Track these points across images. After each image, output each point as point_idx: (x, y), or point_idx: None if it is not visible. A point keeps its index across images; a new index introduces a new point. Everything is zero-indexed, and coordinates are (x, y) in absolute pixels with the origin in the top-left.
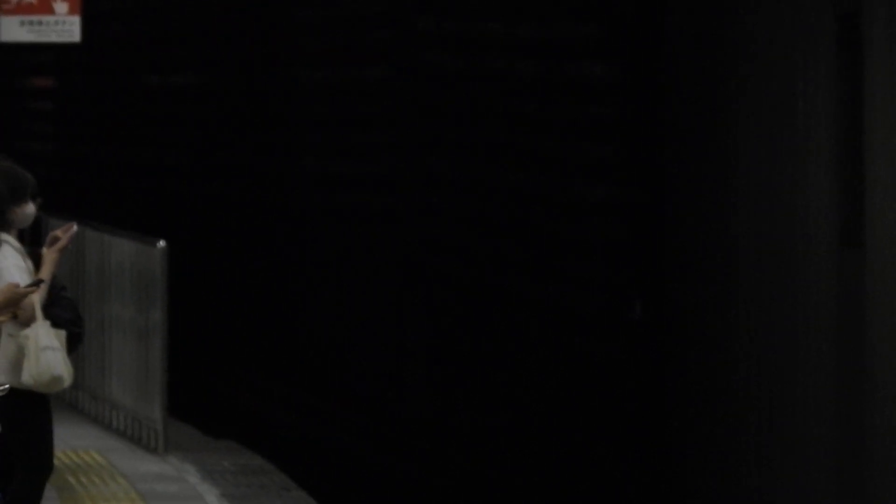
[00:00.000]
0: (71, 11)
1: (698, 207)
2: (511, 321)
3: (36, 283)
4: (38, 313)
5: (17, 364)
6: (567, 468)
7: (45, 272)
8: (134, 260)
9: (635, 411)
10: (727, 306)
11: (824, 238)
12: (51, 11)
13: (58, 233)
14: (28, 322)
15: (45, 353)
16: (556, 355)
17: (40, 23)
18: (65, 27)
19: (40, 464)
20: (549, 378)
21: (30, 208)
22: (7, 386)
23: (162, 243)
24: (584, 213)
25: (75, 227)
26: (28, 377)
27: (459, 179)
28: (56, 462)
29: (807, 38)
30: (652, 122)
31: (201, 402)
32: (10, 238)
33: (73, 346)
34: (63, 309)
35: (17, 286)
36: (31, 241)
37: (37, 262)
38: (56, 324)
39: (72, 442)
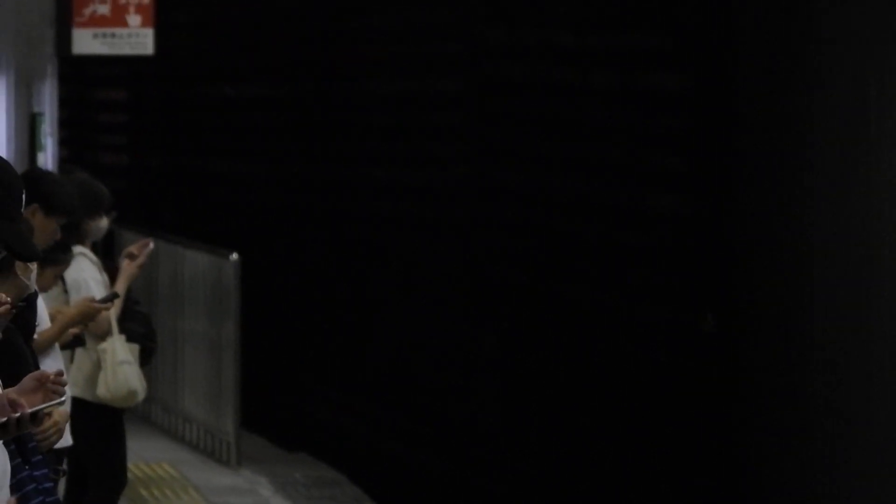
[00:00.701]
0: (144, 24)
1: (770, 217)
2: (580, 333)
3: (111, 298)
4: (115, 327)
5: (92, 378)
6: (638, 481)
7: (121, 286)
8: (207, 272)
9: (708, 423)
10: (800, 316)
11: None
12: (124, 24)
13: (133, 249)
14: (103, 335)
15: (121, 368)
16: (627, 368)
17: (113, 35)
18: (138, 39)
19: (114, 476)
20: (621, 391)
21: (104, 222)
22: (63, 399)
23: (235, 256)
24: (656, 224)
25: (152, 245)
26: (104, 391)
27: (529, 191)
28: (129, 474)
29: (883, 49)
30: (723, 132)
31: (274, 415)
32: (86, 251)
33: (147, 360)
34: (137, 323)
35: (92, 300)
36: (104, 254)
37: (112, 275)
38: (130, 338)
39: (145, 454)
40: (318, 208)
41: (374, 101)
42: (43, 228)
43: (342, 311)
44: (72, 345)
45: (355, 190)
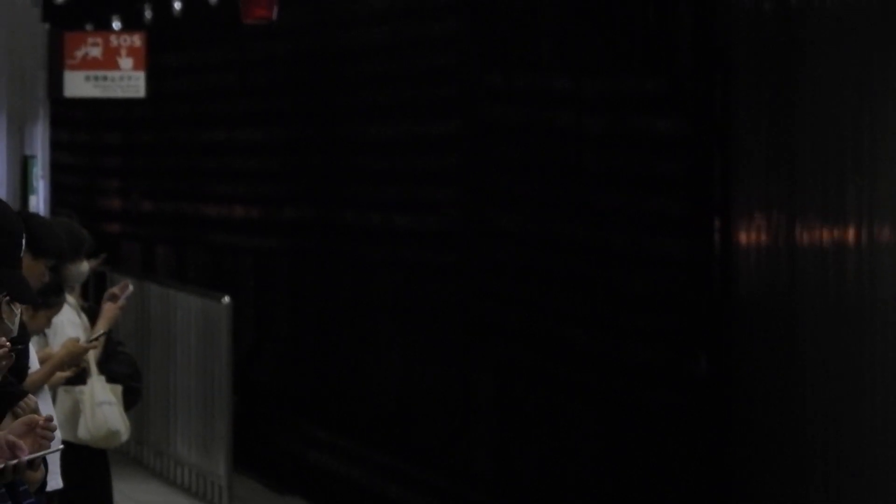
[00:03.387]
0: (136, 67)
1: (764, 261)
2: (575, 375)
3: (97, 338)
4: (94, 368)
5: (73, 419)
6: None
7: (101, 326)
8: (199, 315)
9: (700, 465)
10: (793, 361)
11: (892, 291)
12: (116, 67)
13: (115, 290)
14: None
15: (101, 408)
16: (621, 409)
17: (105, 78)
18: (130, 82)
19: None
20: (614, 432)
21: (84, 265)
22: (61, 447)
23: (227, 299)
24: (649, 266)
25: (131, 287)
26: (84, 432)
27: (524, 233)
28: None
29: (874, 90)
30: (718, 176)
31: (266, 457)
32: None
33: (132, 400)
34: (120, 364)
35: (77, 341)
36: (94, 297)
37: (93, 318)
38: (113, 379)
39: (137, 497)
40: (313, 250)
41: (371, 144)
42: (31, 271)
43: (337, 354)
44: (72, 381)
45: (351, 232)
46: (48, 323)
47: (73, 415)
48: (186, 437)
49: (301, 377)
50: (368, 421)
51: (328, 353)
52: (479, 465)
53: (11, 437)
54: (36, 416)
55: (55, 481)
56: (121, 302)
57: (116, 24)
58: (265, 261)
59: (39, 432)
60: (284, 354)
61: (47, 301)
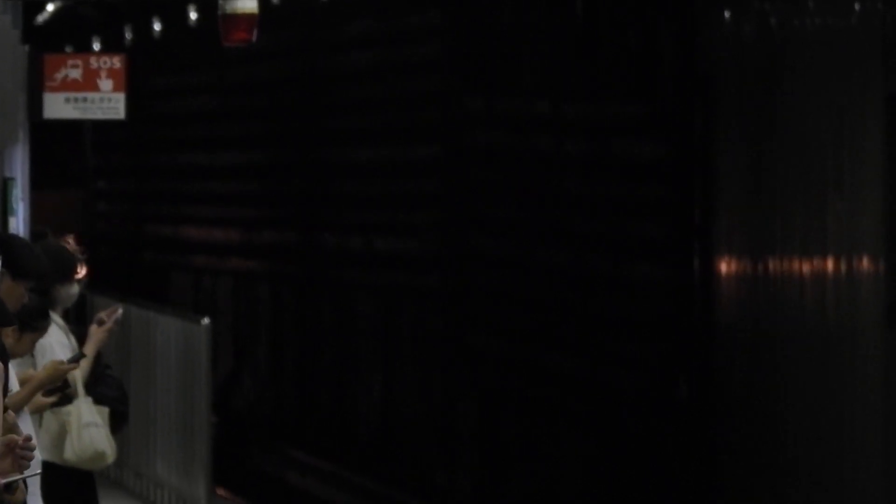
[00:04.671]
0: (116, 88)
1: (745, 285)
2: (557, 399)
3: (77, 358)
4: (80, 390)
5: (59, 440)
6: None
7: (90, 349)
8: (179, 337)
9: (683, 489)
10: (774, 386)
11: (871, 319)
12: (96, 88)
13: (103, 315)
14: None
15: (87, 430)
16: (602, 433)
17: (85, 99)
18: (110, 104)
19: None
20: (596, 456)
21: (74, 288)
22: (39, 471)
23: (206, 321)
24: (630, 291)
25: (120, 311)
26: (71, 453)
27: (506, 258)
28: None
29: (854, 118)
30: (699, 200)
31: (246, 479)
32: (54, 316)
33: (119, 423)
34: (108, 387)
35: (60, 363)
36: (76, 320)
37: (81, 340)
38: (100, 401)
39: None
40: (294, 274)
41: (352, 168)
42: (10, 293)
43: (318, 377)
44: (59, 403)
45: (332, 256)
46: (33, 346)
47: (60, 436)
48: (166, 458)
49: (282, 400)
50: (349, 444)
51: (309, 376)
52: (461, 489)
53: None
54: (15, 436)
55: (35, 502)
56: (108, 325)
57: (97, 47)
58: (245, 284)
59: (19, 452)
60: (265, 377)
61: (32, 325)
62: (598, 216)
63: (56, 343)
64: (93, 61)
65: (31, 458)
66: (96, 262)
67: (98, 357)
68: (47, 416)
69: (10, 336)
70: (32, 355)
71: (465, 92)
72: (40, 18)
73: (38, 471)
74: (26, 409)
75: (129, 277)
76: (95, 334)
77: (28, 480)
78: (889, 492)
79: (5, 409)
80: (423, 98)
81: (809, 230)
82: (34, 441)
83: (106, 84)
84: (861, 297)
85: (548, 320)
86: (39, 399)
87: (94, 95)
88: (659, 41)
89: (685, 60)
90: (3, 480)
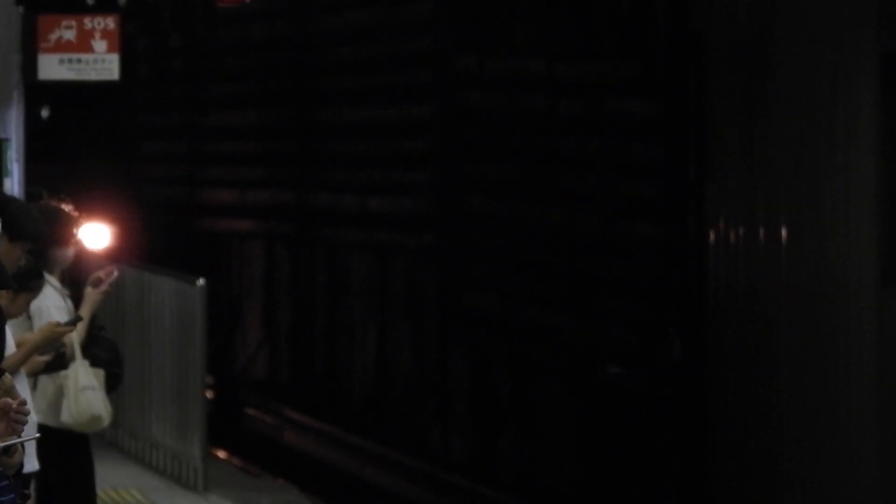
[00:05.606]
0: (110, 49)
1: (738, 245)
2: (550, 358)
3: (74, 321)
4: (77, 353)
5: (55, 404)
6: None
7: (85, 311)
8: (173, 298)
9: (675, 448)
10: (768, 345)
11: (866, 278)
12: (90, 49)
13: (100, 275)
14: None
15: (84, 393)
16: (596, 393)
17: (79, 61)
18: (104, 65)
19: (81, 501)
20: (590, 415)
21: (69, 250)
22: (38, 435)
23: (201, 282)
24: (624, 251)
25: (116, 272)
26: (68, 417)
27: (500, 217)
28: (97, 500)
29: (848, 77)
30: (692, 160)
31: (241, 439)
32: (51, 278)
33: (113, 385)
34: (102, 349)
35: (57, 324)
36: (71, 282)
37: (77, 302)
38: (95, 363)
39: (112, 480)
40: (288, 234)
41: (345, 128)
42: (7, 254)
43: (314, 336)
44: (53, 368)
45: (326, 216)
46: (27, 306)
47: (56, 400)
48: (161, 419)
49: (276, 360)
50: (344, 403)
51: (303, 335)
52: (455, 448)
53: None
54: (9, 399)
55: (31, 464)
56: (104, 286)
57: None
58: (239, 244)
59: (13, 416)
60: (260, 337)
61: (27, 285)
62: (592, 175)
63: (53, 306)
64: (87, 22)
65: (24, 422)
66: (145, 229)
67: (92, 319)
68: (44, 379)
69: (4, 297)
70: (29, 317)
71: (457, 51)
72: None
73: (37, 434)
74: (22, 370)
75: (181, 244)
76: (91, 296)
77: (25, 443)
78: (882, 446)
79: (2, 373)
80: (417, 57)
81: (803, 189)
82: (29, 405)
83: (100, 45)
84: (855, 256)
85: (541, 280)
86: (35, 359)
87: (88, 57)
88: None
89: (679, 17)
90: (1, 444)
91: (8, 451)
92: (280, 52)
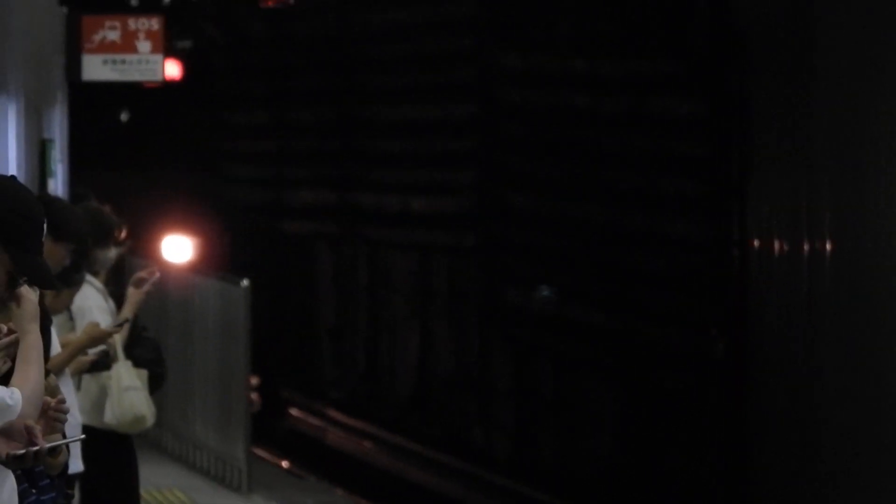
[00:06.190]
0: (154, 50)
1: (781, 243)
2: (593, 356)
3: (121, 324)
4: (120, 353)
5: (98, 404)
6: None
7: (128, 311)
8: (217, 299)
9: (716, 444)
10: (810, 341)
11: None
12: (134, 50)
13: (142, 275)
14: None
15: (127, 394)
16: (638, 390)
17: (123, 62)
18: (148, 66)
19: (125, 502)
20: (632, 412)
21: (112, 251)
22: (83, 436)
23: (245, 282)
24: (667, 248)
25: (157, 273)
26: (111, 417)
27: (542, 215)
28: (141, 501)
29: (891, 69)
30: (735, 157)
31: (285, 439)
32: (92, 279)
33: (156, 385)
34: (145, 349)
35: (98, 325)
36: (116, 282)
37: (119, 302)
38: (138, 364)
39: (156, 481)
40: (331, 233)
41: (388, 127)
42: (52, 254)
43: (357, 337)
44: (98, 368)
45: (368, 215)
46: (71, 300)
47: (100, 400)
48: (205, 420)
49: (321, 360)
50: (386, 403)
51: (348, 335)
52: (497, 446)
53: (29, 422)
54: (48, 398)
55: (75, 465)
56: (146, 287)
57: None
58: (282, 244)
59: (52, 414)
60: (304, 337)
61: (68, 280)
62: (634, 173)
63: (95, 306)
64: (131, 23)
65: (64, 420)
66: (230, 232)
67: (134, 319)
68: (87, 380)
69: (48, 295)
70: (71, 318)
71: (500, 50)
72: None
73: (82, 436)
74: (67, 371)
75: (268, 247)
76: (133, 296)
77: (69, 444)
78: None
79: (47, 373)
80: (460, 56)
81: (846, 187)
82: (73, 405)
83: (144, 46)
84: None
85: (583, 277)
86: (80, 358)
87: (132, 57)
88: None
89: (721, 15)
90: (47, 445)
91: (53, 451)
92: (322, 51)
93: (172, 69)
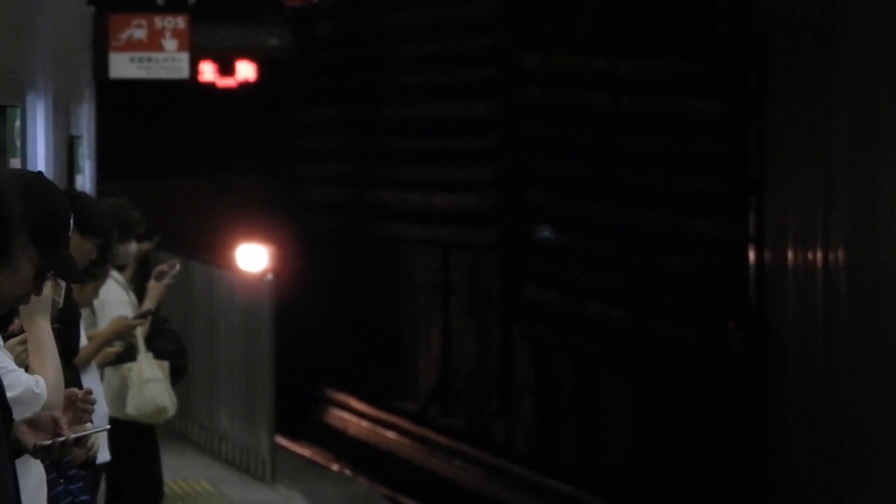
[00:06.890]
0: (180, 48)
1: (798, 240)
2: (612, 353)
3: (145, 315)
4: (141, 345)
5: (120, 396)
6: (668, 499)
7: (149, 304)
8: (241, 292)
9: (735, 440)
10: (827, 336)
11: None
12: (160, 48)
13: (163, 268)
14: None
15: (148, 385)
16: (657, 386)
17: (150, 59)
18: (174, 64)
19: (150, 493)
20: (651, 408)
21: (132, 246)
22: (108, 426)
23: (269, 276)
24: (685, 245)
25: (178, 266)
26: (132, 408)
27: (562, 214)
28: (166, 491)
29: None
30: (754, 156)
31: (309, 430)
32: (114, 272)
33: (178, 377)
34: (167, 341)
35: (125, 318)
36: (141, 276)
37: (140, 295)
38: (160, 356)
39: (181, 471)
40: (353, 229)
41: (409, 125)
42: (79, 248)
43: (380, 330)
44: (123, 359)
45: (390, 212)
46: (96, 293)
47: (122, 392)
48: (230, 411)
49: (344, 352)
50: (409, 396)
51: (371, 329)
52: (518, 440)
53: (55, 413)
54: (75, 389)
55: (103, 455)
56: (167, 280)
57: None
58: (307, 239)
59: (79, 405)
60: (326, 331)
61: (93, 273)
62: (654, 172)
63: (117, 300)
64: (157, 21)
65: (91, 412)
66: (306, 233)
67: (156, 312)
68: (109, 371)
69: (74, 288)
70: (93, 312)
71: (521, 49)
72: None
73: (108, 426)
74: (93, 363)
75: (348, 248)
76: (154, 289)
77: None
78: None
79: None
80: (481, 55)
81: (863, 185)
82: (99, 396)
83: (170, 44)
84: None
85: (603, 275)
86: (105, 350)
87: (158, 55)
88: None
89: (740, 15)
90: (74, 435)
91: (79, 441)
92: (344, 50)
93: (247, 70)
